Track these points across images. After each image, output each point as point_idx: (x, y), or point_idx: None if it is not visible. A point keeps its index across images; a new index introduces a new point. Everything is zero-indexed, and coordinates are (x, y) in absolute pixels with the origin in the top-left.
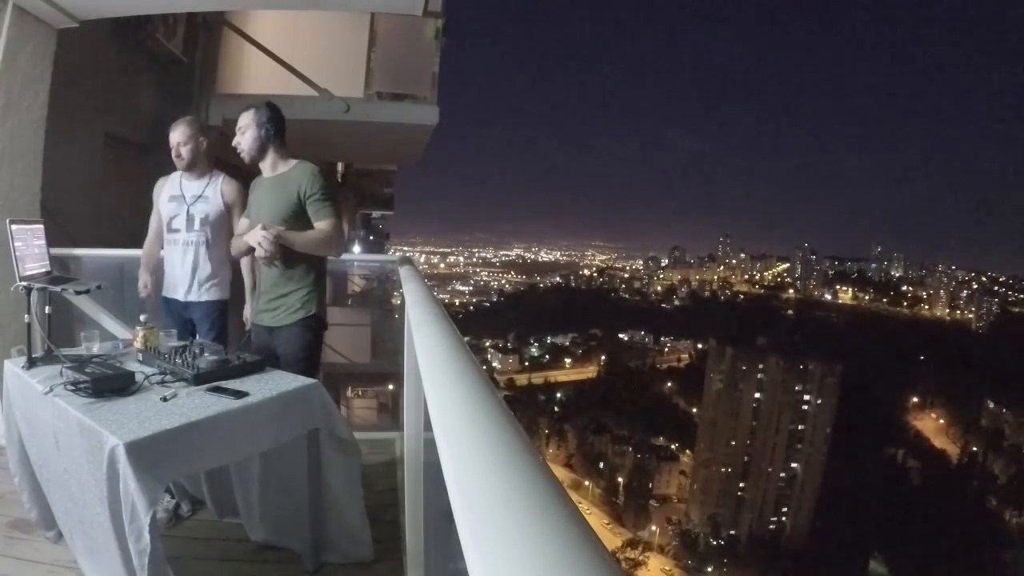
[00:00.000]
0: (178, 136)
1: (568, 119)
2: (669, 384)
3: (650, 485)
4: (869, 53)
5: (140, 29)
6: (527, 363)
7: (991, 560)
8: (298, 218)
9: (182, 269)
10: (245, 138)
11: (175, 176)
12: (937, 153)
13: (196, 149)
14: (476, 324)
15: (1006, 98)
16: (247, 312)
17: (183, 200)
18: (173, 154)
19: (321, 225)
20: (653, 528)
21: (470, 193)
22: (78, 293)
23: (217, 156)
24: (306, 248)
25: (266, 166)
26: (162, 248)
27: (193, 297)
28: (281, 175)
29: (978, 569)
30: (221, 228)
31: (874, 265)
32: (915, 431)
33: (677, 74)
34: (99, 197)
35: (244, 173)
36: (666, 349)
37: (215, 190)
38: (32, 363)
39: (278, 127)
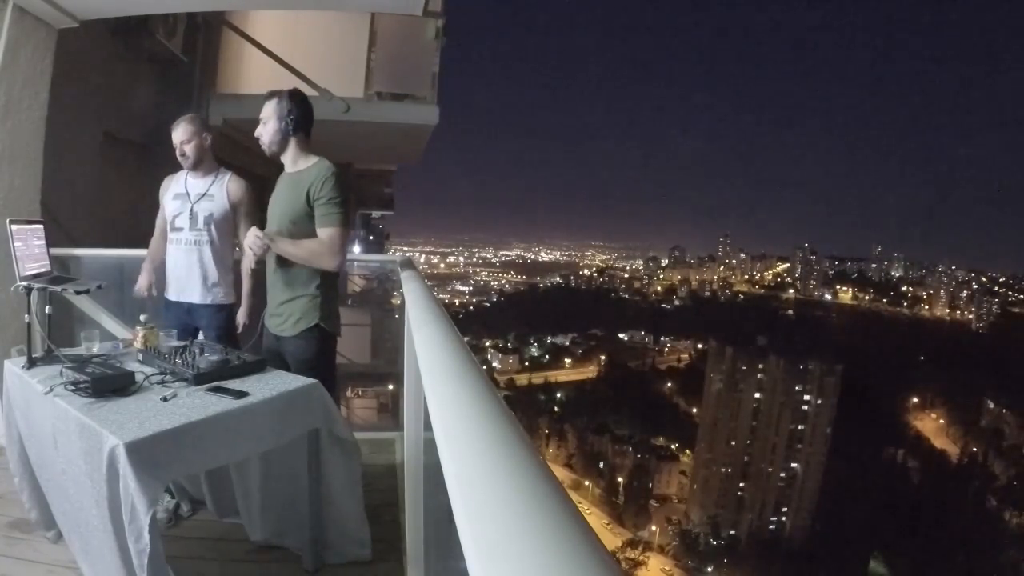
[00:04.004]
0: (181, 135)
1: (568, 118)
2: (669, 384)
3: (650, 485)
4: (869, 52)
5: (140, 29)
6: (527, 363)
7: (991, 560)
8: (308, 220)
9: (186, 270)
10: (266, 130)
11: (181, 174)
12: (937, 153)
13: (200, 146)
14: (476, 324)
15: (1007, 98)
16: (241, 315)
17: (187, 198)
18: (177, 153)
19: (322, 233)
20: (653, 528)
21: (470, 193)
22: (78, 293)
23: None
24: (300, 259)
25: (287, 160)
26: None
27: (198, 300)
28: (298, 172)
29: (978, 569)
30: (225, 228)
31: (874, 265)
32: (915, 431)
33: (677, 74)
34: (99, 197)
35: (249, 174)
36: (666, 349)
37: (221, 189)
38: (32, 363)
39: (301, 119)
